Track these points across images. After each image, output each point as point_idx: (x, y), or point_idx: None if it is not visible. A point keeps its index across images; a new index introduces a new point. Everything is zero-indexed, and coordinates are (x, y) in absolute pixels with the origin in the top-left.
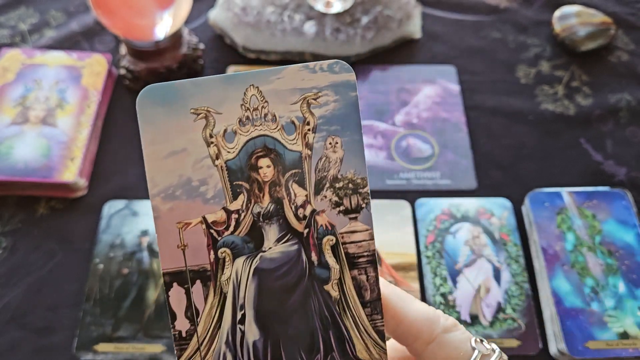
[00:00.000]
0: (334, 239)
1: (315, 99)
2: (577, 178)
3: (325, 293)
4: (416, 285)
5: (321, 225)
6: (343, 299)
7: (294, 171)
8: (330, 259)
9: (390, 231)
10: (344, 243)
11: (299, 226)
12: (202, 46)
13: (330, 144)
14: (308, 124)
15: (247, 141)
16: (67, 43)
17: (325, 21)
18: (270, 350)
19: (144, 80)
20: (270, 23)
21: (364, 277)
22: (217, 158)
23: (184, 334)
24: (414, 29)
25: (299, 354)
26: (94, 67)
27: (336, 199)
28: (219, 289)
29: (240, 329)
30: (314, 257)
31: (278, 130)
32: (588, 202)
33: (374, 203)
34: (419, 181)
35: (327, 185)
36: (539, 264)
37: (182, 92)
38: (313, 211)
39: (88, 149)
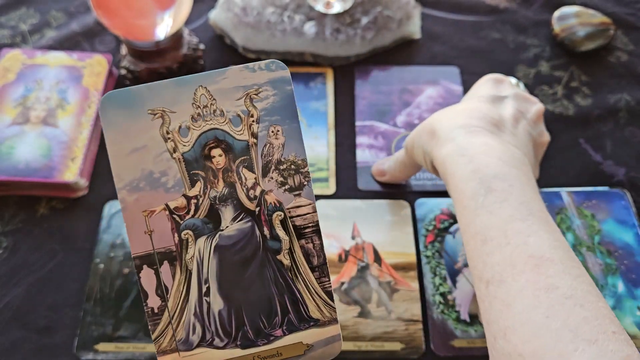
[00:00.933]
0: (282, 214)
1: (256, 94)
2: (576, 178)
3: (278, 262)
4: (416, 285)
5: (270, 203)
6: (294, 266)
7: (243, 158)
8: (280, 232)
9: (390, 231)
10: (291, 217)
11: (251, 205)
12: (202, 46)
13: (272, 132)
14: (252, 116)
15: (200, 135)
16: (67, 43)
17: (325, 22)
18: (234, 317)
19: (145, 81)
20: (271, 23)
21: (310, 245)
22: (174, 151)
23: (156, 310)
24: (414, 29)
25: (259, 318)
26: (95, 67)
27: (281, 179)
28: (184, 267)
29: (206, 300)
30: (266, 232)
31: (226, 123)
32: (587, 202)
33: (374, 202)
34: (418, 181)
35: (273, 168)
36: None
37: (139, 96)
38: (262, 191)
39: (89, 149)
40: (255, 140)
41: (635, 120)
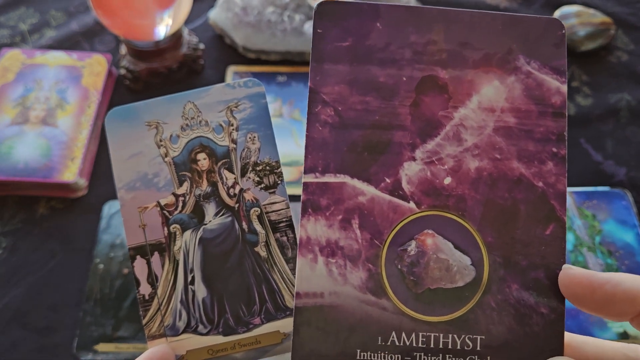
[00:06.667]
0: (259, 209)
1: (236, 107)
2: (576, 178)
3: (256, 254)
4: None
5: (248, 200)
6: (270, 258)
7: (224, 161)
8: (257, 226)
9: None
10: (266, 212)
11: (231, 202)
12: (202, 46)
13: (249, 138)
14: (232, 125)
15: (188, 142)
16: (67, 43)
17: None
18: (217, 305)
19: (144, 80)
20: (271, 23)
21: (285, 239)
22: (166, 156)
23: (147, 297)
24: None
25: (239, 306)
26: (94, 67)
27: (258, 178)
28: (172, 257)
29: (191, 288)
30: (244, 226)
31: (210, 131)
32: (588, 202)
33: None
34: None
35: (250, 169)
36: None
37: (138, 111)
38: (241, 189)
39: (88, 149)
40: (234, 146)
41: (636, 120)
